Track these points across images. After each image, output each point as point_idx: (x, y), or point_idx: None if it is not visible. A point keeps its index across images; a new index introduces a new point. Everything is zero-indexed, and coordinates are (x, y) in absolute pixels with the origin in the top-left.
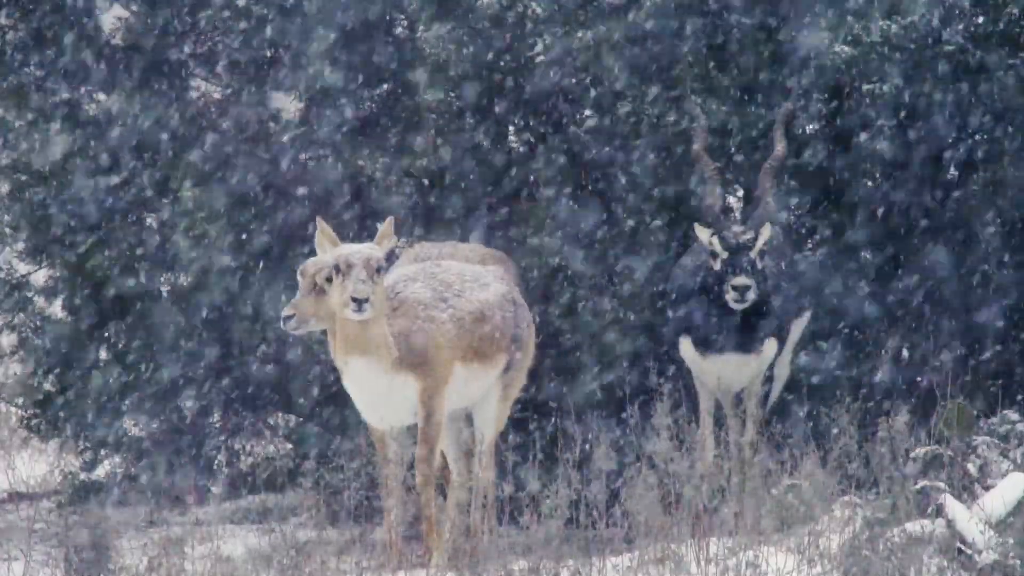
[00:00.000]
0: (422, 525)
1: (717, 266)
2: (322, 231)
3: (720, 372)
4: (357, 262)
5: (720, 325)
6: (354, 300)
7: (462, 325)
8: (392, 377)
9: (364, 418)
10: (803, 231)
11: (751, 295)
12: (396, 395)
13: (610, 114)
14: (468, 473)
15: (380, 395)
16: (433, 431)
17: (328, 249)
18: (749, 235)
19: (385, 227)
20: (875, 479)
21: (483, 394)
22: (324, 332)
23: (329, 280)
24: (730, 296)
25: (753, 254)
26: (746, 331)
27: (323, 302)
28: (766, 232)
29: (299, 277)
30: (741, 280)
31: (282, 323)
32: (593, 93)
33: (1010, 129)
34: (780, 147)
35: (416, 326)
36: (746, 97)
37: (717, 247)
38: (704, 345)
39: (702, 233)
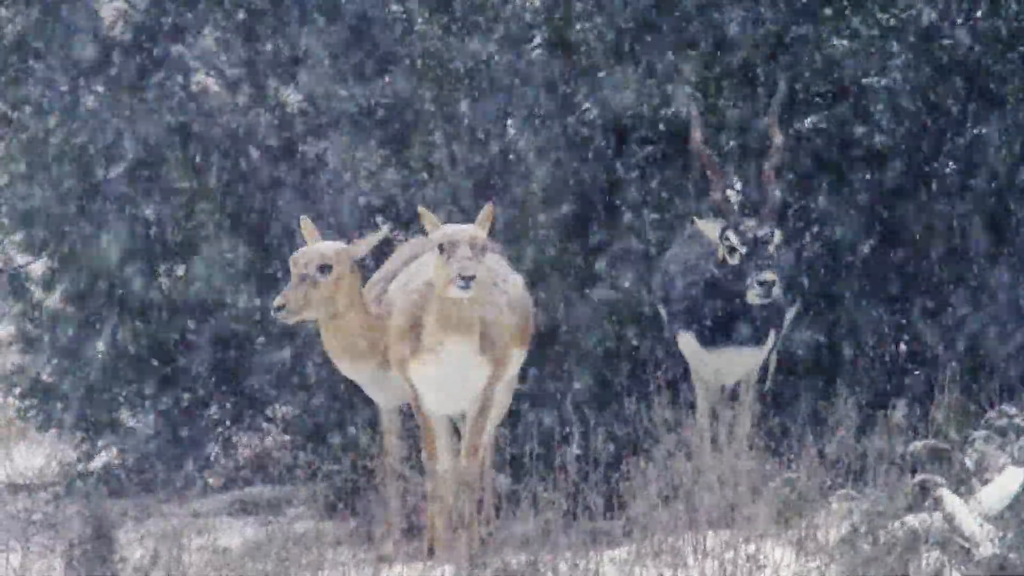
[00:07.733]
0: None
1: (734, 260)
2: (305, 228)
3: (723, 365)
4: (462, 240)
5: (727, 318)
6: (462, 277)
7: (515, 310)
8: (476, 360)
9: (428, 406)
10: (801, 223)
11: (776, 290)
12: (473, 380)
13: (608, 105)
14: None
15: (462, 379)
16: (487, 421)
17: (430, 229)
18: (766, 229)
19: (486, 211)
20: (873, 473)
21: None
22: (317, 323)
23: (321, 270)
24: (756, 291)
25: (772, 248)
26: (753, 323)
27: (314, 292)
28: (778, 230)
29: (291, 267)
30: (768, 275)
31: (273, 313)
32: (589, 85)
33: (1008, 122)
34: (778, 139)
35: (487, 309)
36: (745, 89)
37: (735, 242)
38: (708, 339)
39: (707, 227)
